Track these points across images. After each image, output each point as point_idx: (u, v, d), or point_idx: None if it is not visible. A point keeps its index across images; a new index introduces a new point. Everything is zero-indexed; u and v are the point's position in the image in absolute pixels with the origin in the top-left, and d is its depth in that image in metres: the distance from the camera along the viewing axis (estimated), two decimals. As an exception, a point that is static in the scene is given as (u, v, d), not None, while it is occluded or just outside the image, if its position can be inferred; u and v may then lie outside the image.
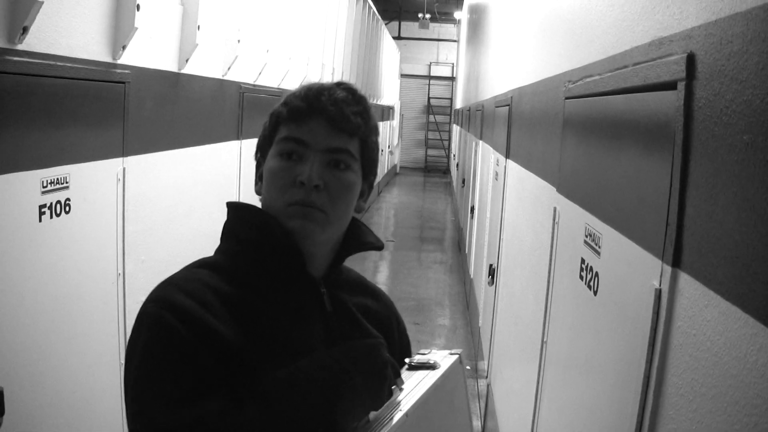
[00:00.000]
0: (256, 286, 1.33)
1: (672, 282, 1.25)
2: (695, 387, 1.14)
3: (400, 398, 1.30)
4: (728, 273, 1.04)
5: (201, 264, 1.37)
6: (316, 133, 1.33)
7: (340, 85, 1.40)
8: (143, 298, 3.50)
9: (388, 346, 1.43)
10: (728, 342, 1.03)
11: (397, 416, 1.23)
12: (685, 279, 1.20)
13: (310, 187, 1.30)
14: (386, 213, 16.20)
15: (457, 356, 1.52)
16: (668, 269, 1.26)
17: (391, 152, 21.70)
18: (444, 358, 1.49)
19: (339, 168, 1.34)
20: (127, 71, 3.25)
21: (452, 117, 24.39)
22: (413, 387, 1.35)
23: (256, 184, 1.43)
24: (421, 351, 1.51)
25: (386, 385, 1.28)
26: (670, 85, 1.30)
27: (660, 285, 1.30)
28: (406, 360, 1.46)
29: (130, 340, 1.25)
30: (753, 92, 0.98)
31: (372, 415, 1.23)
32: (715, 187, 1.10)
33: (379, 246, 1.46)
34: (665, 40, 1.38)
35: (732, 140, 1.05)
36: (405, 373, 1.41)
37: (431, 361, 1.45)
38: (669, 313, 1.27)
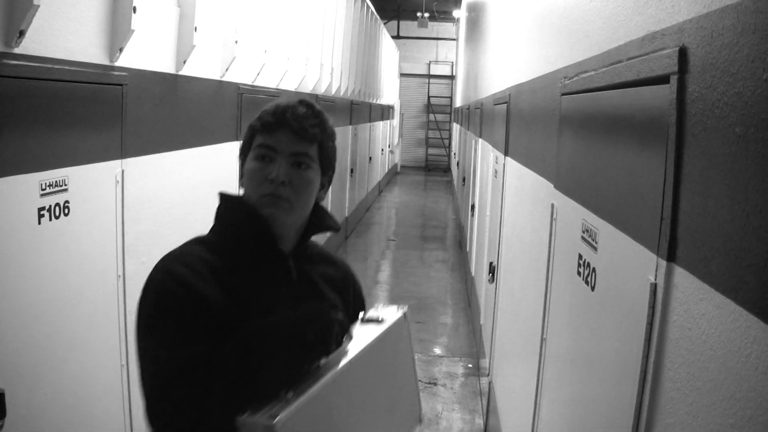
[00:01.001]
0: (237, 258, 1.70)
1: (667, 276, 1.25)
2: (691, 381, 1.14)
3: (348, 348, 1.63)
4: (722, 266, 1.04)
5: (196, 241, 1.75)
6: (282, 141, 1.70)
7: (301, 102, 1.76)
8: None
9: (344, 305, 1.86)
10: (723, 335, 1.03)
11: (343, 362, 1.59)
12: (680, 273, 1.20)
13: (278, 183, 1.67)
14: (387, 212, 16.20)
15: (402, 312, 1.85)
16: (663, 263, 1.26)
17: (391, 152, 21.69)
18: (391, 314, 1.82)
19: (301, 168, 1.71)
20: (124, 73, 3.25)
21: (452, 115, 24.38)
22: (361, 338, 1.69)
23: (240, 178, 1.79)
24: (375, 307, 1.85)
25: (332, 339, 1.59)
26: (663, 79, 1.29)
27: (655, 279, 1.30)
28: (361, 315, 1.81)
29: (140, 299, 1.62)
30: (744, 84, 0.98)
31: (323, 361, 1.57)
32: (708, 180, 1.10)
33: (336, 228, 1.89)
34: (658, 34, 1.38)
35: (724, 133, 1.05)
36: (357, 327, 1.75)
37: (379, 317, 1.79)
38: (664, 308, 1.27)
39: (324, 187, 1.81)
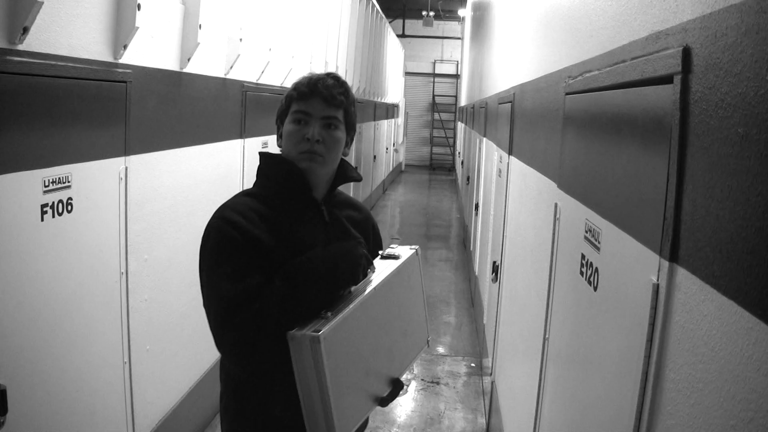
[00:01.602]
0: (279, 206, 2.06)
1: (669, 277, 1.25)
2: (692, 382, 1.13)
3: (372, 278, 2.04)
4: (724, 267, 1.03)
5: (244, 194, 2.12)
6: (315, 107, 2.07)
7: (329, 75, 2.14)
8: (147, 297, 3.56)
9: (366, 242, 2.24)
10: (725, 337, 1.02)
11: (369, 288, 1.99)
12: (682, 273, 1.20)
13: (313, 141, 2.05)
14: (392, 211, 16.19)
15: (414, 250, 2.25)
16: (666, 264, 1.26)
17: (396, 150, 21.67)
18: (405, 252, 2.23)
19: (331, 128, 2.09)
20: (128, 70, 3.25)
21: (457, 114, 24.35)
22: (382, 270, 2.09)
23: (278, 140, 2.18)
24: (391, 246, 2.26)
25: (360, 270, 2.00)
26: (667, 79, 1.29)
27: (658, 280, 1.30)
28: (379, 252, 2.25)
29: (201, 243, 1.98)
30: (747, 85, 0.98)
31: (353, 288, 1.98)
32: (711, 180, 1.10)
33: (359, 179, 2.25)
34: (662, 33, 1.37)
35: (727, 133, 1.04)
36: (378, 261, 2.16)
37: (395, 254, 2.20)
38: (667, 308, 1.26)
39: (348, 144, 2.19)
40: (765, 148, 0.92)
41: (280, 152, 2.17)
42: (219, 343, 1.91)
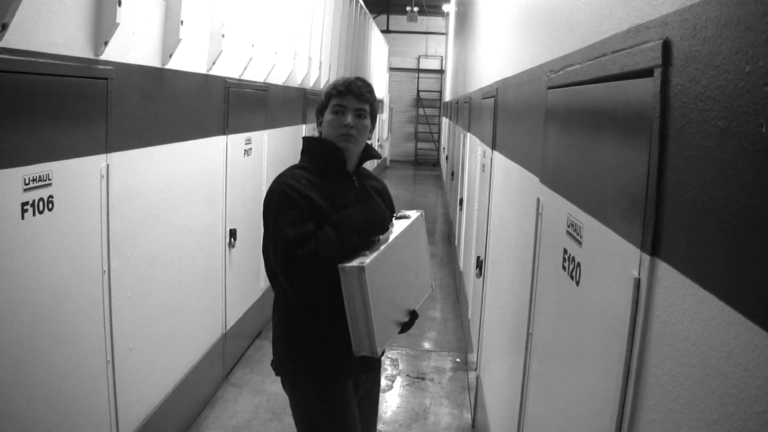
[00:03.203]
0: (322, 176, 2.75)
1: (650, 271, 1.24)
2: (674, 377, 1.13)
3: (392, 230, 2.74)
4: (704, 261, 1.03)
5: (294, 167, 2.80)
6: (350, 102, 2.78)
7: (358, 78, 2.84)
8: (130, 295, 3.54)
9: (385, 205, 2.87)
10: (705, 331, 1.02)
11: (391, 237, 2.69)
12: (663, 268, 1.20)
13: (349, 127, 2.76)
14: (377, 207, 16.14)
15: (420, 212, 2.99)
16: (647, 258, 1.26)
17: (380, 146, 21.65)
18: (413, 213, 2.95)
19: (361, 118, 2.81)
20: (109, 67, 3.22)
21: (441, 110, 24.36)
22: (398, 226, 2.78)
23: (317, 126, 2.91)
24: (402, 210, 3.01)
25: (386, 223, 2.72)
26: (647, 72, 1.28)
27: (639, 274, 1.29)
28: (394, 214, 2.97)
29: (264, 203, 2.67)
30: (727, 77, 0.97)
31: (380, 236, 2.68)
32: (691, 174, 1.09)
33: (379, 157, 3.07)
34: (642, 27, 1.37)
35: (707, 126, 1.04)
36: (393, 220, 2.85)
37: (407, 215, 2.94)
38: (648, 303, 1.26)
39: (371, 131, 2.88)
40: (745, 141, 0.92)
41: (315, 135, 2.89)
42: (284, 274, 2.53)
